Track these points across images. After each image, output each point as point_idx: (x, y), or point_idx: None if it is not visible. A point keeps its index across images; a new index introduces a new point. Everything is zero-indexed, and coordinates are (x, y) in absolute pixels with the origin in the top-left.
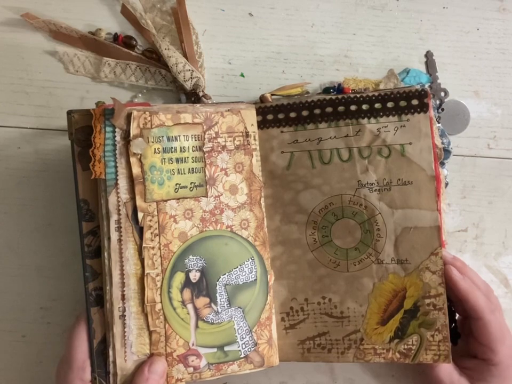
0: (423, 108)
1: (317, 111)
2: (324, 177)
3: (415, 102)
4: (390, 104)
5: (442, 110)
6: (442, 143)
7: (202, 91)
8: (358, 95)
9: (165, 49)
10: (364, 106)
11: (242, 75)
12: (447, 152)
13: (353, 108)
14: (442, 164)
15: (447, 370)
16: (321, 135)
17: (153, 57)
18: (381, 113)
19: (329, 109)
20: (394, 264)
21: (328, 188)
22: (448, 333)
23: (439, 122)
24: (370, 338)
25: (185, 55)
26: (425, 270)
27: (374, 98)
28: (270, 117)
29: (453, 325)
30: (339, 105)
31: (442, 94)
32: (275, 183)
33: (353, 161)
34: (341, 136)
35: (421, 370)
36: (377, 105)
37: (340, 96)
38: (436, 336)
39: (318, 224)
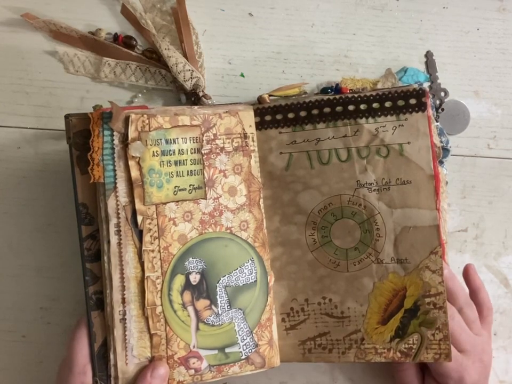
0: (421, 107)
1: (315, 111)
2: (323, 178)
3: (413, 101)
4: (388, 104)
5: (442, 110)
6: (441, 141)
7: (202, 91)
8: (356, 95)
9: (165, 49)
10: (362, 106)
11: (242, 75)
12: (445, 151)
13: (351, 107)
14: (441, 162)
15: (411, 376)
16: (319, 136)
17: (153, 57)
18: (379, 113)
19: (327, 109)
20: (394, 264)
21: (327, 188)
22: (449, 331)
23: (437, 121)
24: (371, 338)
25: (185, 55)
26: (425, 269)
27: (372, 98)
28: (268, 118)
29: None
30: (337, 105)
31: (442, 94)
32: (274, 184)
33: (351, 161)
34: (339, 136)
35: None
36: (375, 105)
37: (337, 97)
38: (437, 334)
39: (318, 224)
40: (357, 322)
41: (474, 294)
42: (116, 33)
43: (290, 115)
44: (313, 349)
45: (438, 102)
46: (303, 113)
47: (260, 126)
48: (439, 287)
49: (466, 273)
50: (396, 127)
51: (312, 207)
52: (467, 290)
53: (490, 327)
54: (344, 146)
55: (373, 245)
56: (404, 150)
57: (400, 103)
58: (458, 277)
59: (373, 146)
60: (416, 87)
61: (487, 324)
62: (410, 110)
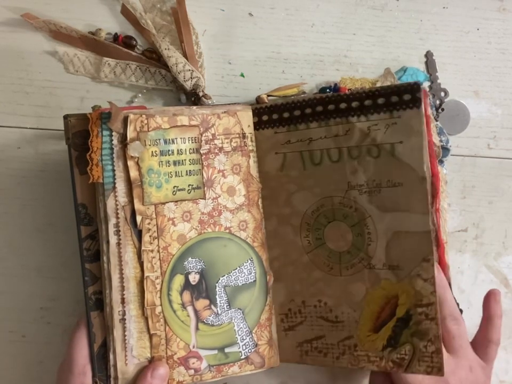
0: (416, 103)
1: (308, 110)
2: (315, 179)
3: (407, 97)
4: (380, 100)
5: (442, 110)
6: (441, 141)
7: (202, 91)
8: (348, 92)
9: (165, 49)
10: (354, 104)
11: (242, 75)
12: (445, 150)
13: (343, 106)
14: (441, 162)
15: None
16: (312, 135)
17: (153, 57)
18: (372, 110)
19: (319, 108)
20: (386, 270)
21: (319, 189)
22: (441, 344)
23: (437, 120)
24: (363, 345)
25: (185, 55)
26: (417, 277)
27: (364, 94)
28: (265, 117)
29: None
30: (329, 103)
31: (442, 94)
32: (271, 185)
33: (342, 162)
34: (330, 136)
35: None
36: (367, 102)
37: (329, 94)
38: (429, 347)
39: (312, 226)
40: (350, 328)
41: (484, 321)
42: (116, 33)
43: (285, 114)
44: (309, 351)
45: (438, 102)
46: (297, 113)
47: (258, 126)
48: (431, 297)
49: (486, 298)
50: (388, 126)
51: (305, 209)
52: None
53: (490, 359)
54: (335, 146)
55: (365, 249)
56: (396, 150)
57: (394, 99)
58: (457, 277)
59: (364, 146)
60: (411, 82)
61: (485, 356)
62: (404, 106)
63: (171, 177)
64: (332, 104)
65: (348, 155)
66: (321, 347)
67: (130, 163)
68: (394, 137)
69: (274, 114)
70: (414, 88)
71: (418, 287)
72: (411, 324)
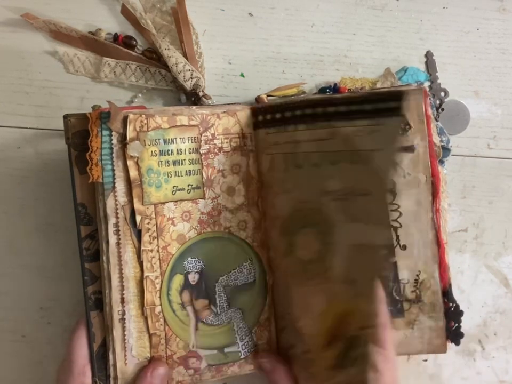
0: (399, 111)
1: (298, 112)
2: (294, 182)
3: (393, 104)
4: (368, 107)
5: (442, 110)
6: (441, 141)
7: (202, 91)
8: (339, 96)
9: (165, 49)
10: (342, 108)
11: (242, 75)
12: (446, 150)
13: (331, 109)
14: (441, 162)
15: None
16: (298, 138)
17: (153, 57)
18: (358, 116)
19: (308, 111)
20: (346, 285)
21: (297, 193)
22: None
23: (437, 120)
24: (316, 361)
25: (185, 55)
26: (373, 295)
27: (353, 100)
28: (260, 118)
29: (456, 325)
30: (317, 106)
31: (442, 94)
32: (264, 185)
33: (321, 166)
34: (315, 139)
35: None
36: (354, 108)
37: (319, 97)
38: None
39: (288, 231)
40: (309, 341)
41: None
42: (116, 33)
43: (278, 115)
44: (292, 357)
45: (438, 102)
46: (288, 114)
47: (255, 126)
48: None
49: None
50: (370, 132)
51: (284, 212)
52: None
53: None
54: (317, 150)
55: (328, 260)
56: (373, 158)
57: (380, 105)
58: (457, 277)
59: (345, 152)
60: (396, 90)
61: None
62: (389, 113)
63: (171, 177)
64: (320, 107)
65: (328, 160)
66: (293, 355)
67: (130, 163)
68: (375, 144)
69: (268, 115)
70: (399, 96)
71: (371, 306)
72: (361, 344)
